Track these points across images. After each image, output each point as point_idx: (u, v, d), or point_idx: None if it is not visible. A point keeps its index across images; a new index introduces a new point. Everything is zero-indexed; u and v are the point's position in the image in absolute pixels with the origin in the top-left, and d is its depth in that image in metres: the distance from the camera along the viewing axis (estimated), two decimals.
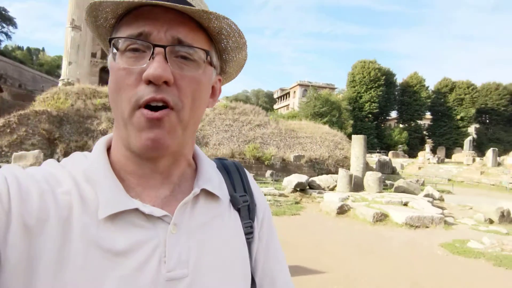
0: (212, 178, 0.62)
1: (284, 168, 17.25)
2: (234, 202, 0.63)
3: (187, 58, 0.52)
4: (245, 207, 0.65)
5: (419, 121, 47.51)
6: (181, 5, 0.48)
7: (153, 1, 0.47)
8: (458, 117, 44.79)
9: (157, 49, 0.49)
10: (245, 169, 0.73)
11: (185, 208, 0.55)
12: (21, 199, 0.45)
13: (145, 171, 0.55)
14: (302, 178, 11.75)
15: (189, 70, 0.52)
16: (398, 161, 29.11)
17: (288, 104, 69.03)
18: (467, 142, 29.79)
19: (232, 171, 0.70)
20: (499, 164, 23.23)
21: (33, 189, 0.47)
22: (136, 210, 0.51)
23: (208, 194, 0.59)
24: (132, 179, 0.55)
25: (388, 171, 18.67)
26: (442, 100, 46.08)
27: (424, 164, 28.07)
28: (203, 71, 0.54)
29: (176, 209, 0.54)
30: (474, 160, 25.96)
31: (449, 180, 21.82)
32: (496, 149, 25.04)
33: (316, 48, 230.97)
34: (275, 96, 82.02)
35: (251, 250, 0.64)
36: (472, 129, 45.56)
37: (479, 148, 37.34)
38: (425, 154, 30.15)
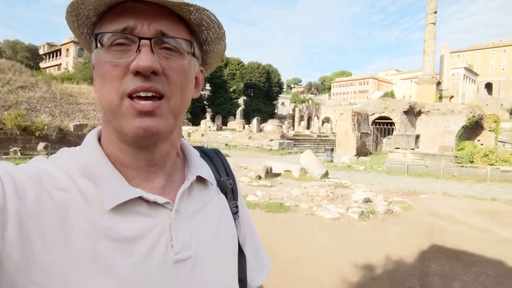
0: (202, 166, 0.65)
1: (62, 140, 14.86)
2: (221, 186, 0.69)
3: (172, 49, 0.53)
4: (230, 190, 0.71)
5: (200, 92, 51.85)
6: None
7: None
8: (231, 89, 51.96)
9: (143, 41, 0.50)
10: (223, 154, 0.79)
11: (183, 195, 0.58)
12: (17, 195, 0.44)
13: (141, 163, 0.56)
14: None
15: (175, 60, 0.53)
16: (184, 128, 31.11)
17: (60, 64, 58.99)
18: (238, 111, 34.96)
19: (213, 157, 0.75)
20: (261, 130, 28.70)
21: (28, 186, 0.46)
22: (139, 199, 0.53)
23: (200, 181, 0.63)
24: (128, 171, 0.55)
25: None
26: (219, 73, 51.85)
27: (206, 131, 31.04)
28: (188, 62, 0.55)
29: (176, 196, 0.57)
30: (244, 127, 30.89)
31: (226, 144, 25.27)
32: (259, 117, 30.83)
33: None
34: (41, 52, 67.68)
35: (237, 227, 0.70)
36: (241, 100, 54.00)
37: (246, 117, 44.78)
38: (206, 122, 33.27)
